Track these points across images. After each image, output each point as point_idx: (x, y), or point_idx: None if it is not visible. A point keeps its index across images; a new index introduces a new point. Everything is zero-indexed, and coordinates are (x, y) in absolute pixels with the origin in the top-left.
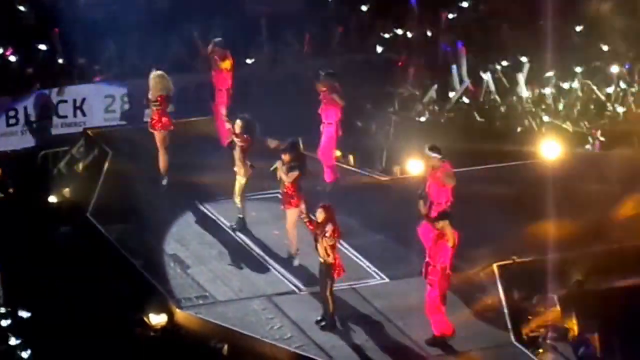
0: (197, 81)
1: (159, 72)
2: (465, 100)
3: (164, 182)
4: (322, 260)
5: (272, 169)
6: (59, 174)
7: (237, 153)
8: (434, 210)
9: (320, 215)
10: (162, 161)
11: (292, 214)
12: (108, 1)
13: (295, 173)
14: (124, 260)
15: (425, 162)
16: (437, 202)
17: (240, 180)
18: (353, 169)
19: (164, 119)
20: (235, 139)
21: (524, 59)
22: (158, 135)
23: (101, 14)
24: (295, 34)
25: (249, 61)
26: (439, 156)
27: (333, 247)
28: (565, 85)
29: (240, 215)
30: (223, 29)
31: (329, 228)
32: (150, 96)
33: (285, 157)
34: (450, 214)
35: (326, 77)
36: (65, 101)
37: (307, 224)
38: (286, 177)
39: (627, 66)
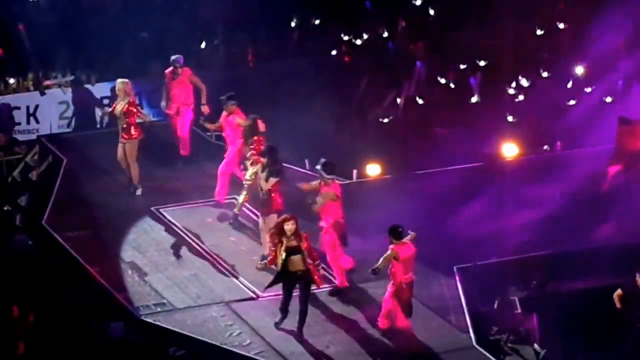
0: (151, 87)
1: (124, 79)
2: (421, 101)
3: (139, 192)
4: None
5: (251, 174)
6: (14, 182)
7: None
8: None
9: (291, 226)
10: (134, 170)
11: (270, 220)
12: (61, 6)
13: (275, 179)
14: (81, 269)
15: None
16: (325, 218)
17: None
18: (309, 172)
19: (133, 130)
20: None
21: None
22: (131, 146)
23: (54, 19)
24: (250, 37)
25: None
26: (331, 176)
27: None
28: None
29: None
30: (177, 33)
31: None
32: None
33: (265, 161)
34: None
35: (228, 102)
36: (19, 108)
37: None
38: (265, 184)
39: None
